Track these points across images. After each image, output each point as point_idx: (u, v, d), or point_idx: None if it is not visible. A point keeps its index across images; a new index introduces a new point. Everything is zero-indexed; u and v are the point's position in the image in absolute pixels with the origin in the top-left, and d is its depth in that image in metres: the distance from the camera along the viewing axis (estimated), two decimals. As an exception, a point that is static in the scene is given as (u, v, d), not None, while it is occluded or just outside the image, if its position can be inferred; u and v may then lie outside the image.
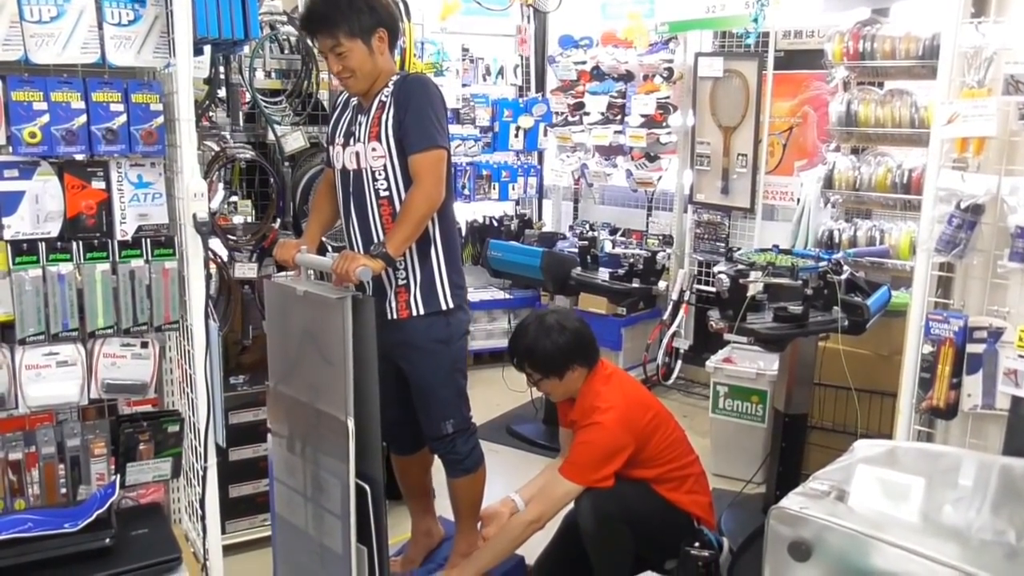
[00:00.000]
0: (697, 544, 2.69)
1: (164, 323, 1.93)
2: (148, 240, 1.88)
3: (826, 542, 1.37)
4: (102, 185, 1.86)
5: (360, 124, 2.48)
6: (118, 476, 1.95)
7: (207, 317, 1.84)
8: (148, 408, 2.12)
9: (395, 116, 2.41)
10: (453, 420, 2.64)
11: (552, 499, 2.63)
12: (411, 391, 2.67)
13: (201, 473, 1.87)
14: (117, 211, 1.88)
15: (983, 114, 1.68)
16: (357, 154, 2.48)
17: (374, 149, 2.44)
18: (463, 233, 5.60)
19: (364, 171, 2.49)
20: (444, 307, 2.57)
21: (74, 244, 1.84)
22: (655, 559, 2.83)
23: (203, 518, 1.89)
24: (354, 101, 2.58)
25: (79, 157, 1.84)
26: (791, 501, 1.43)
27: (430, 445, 2.72)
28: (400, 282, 2.56)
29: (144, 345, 1.93)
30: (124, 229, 1.89)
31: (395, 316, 2.58)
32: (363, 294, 2.28)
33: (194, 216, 1.79)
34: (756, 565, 2.72)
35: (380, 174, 2.46)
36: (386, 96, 2.45)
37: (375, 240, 2.52)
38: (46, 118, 1.76)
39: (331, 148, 2.61)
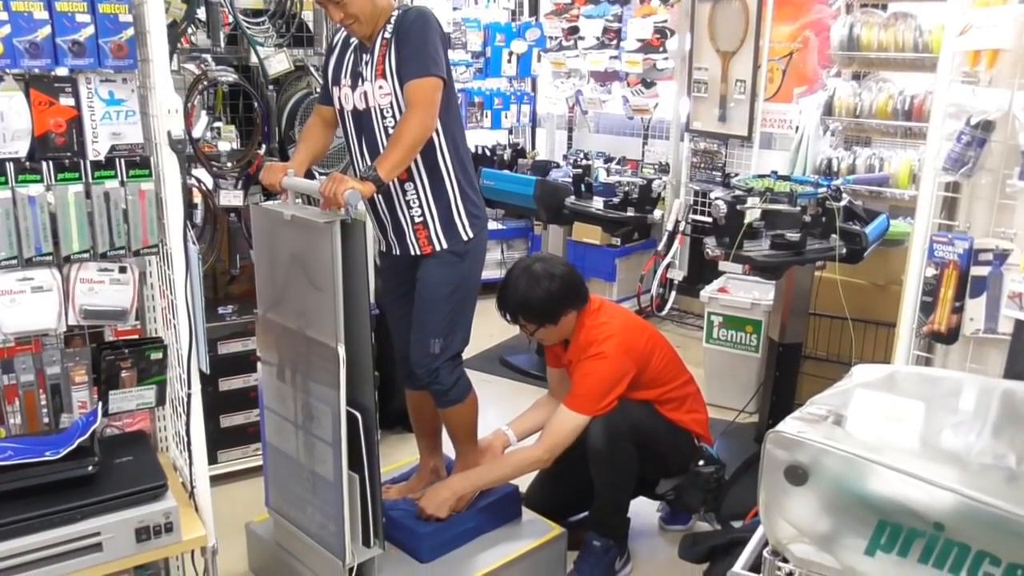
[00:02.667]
0: (702, 462, 2.76)
1: (142, 247, 1.85)
2: (122, 160, 1.80)
3: (823, 466, 1.34)
4: (71, 102, 1.76)
5: (366, 64, 2.44)
6: (100, 404, 1.91)
7: (186, 240, 1.77)
8: (131, 336, 2.07)
9: (397, 52, 2.37)
10: (442, 340, 2.59)
11: (562, 434, 2.63)
12: (414, 306, 2.62)
13: (185, 400, 1.83)
14: (88, 129, 1.79)
15: (998, 24, 1.60)
16: (366, 93, 2.45)
17: (381, 87, 2.40)
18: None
19: (373, 109, 2.46)
20: (465, 238, 2.58)
21: (44, 165, 1.76)
22: (652, 479, 2.86)
23: (189, 445, 1.85)
24: (354, 40, 2.51)
25: (45, 72, 1.75)
26: (788, 425, 1.39)
27: (417, 372, 2.66)
28: (417, 219, 2.55)
29: (122, 270, 1.86)
30: (96, 149, 1.80)
31: (418, 252, 2.58)
32: (352, 217, 2.22)
33: (169, 134, 1.71)
34: (749, 494, 2.74)
35: (388, 111, 2.43)
36: (388, 33, 2.40)
37: (391, 181, 2.47)
38: (7, 29, 1.66)
39: (337, 89, 2.55)
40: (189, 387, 1.82)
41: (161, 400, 2.00)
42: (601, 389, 2.61)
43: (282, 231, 2.39)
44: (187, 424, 1.82)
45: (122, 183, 1.81)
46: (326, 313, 2.26)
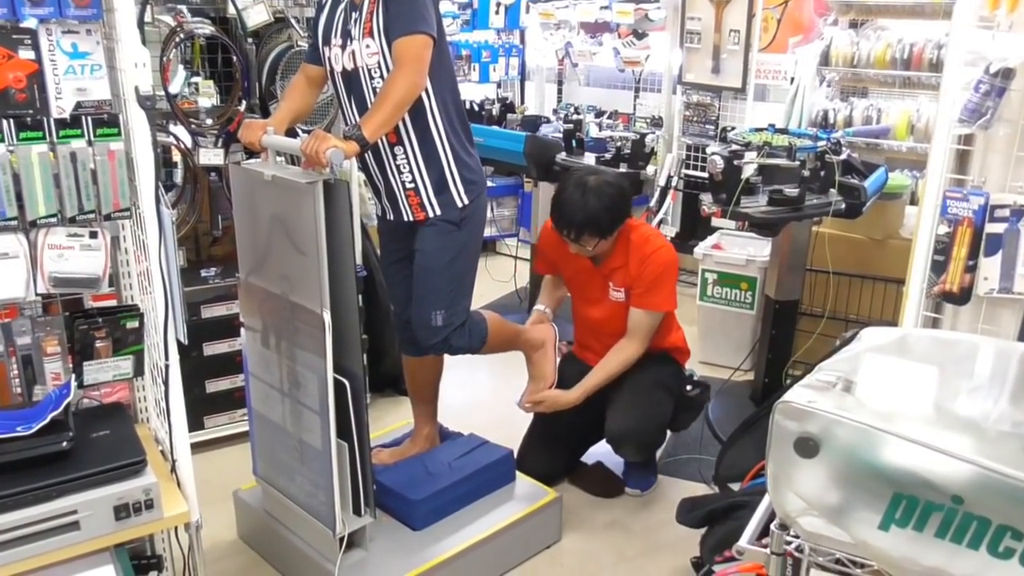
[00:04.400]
0: (689, 387, 3.03)
1: (114, 211, 1.75)
2: (89, 118, 1.69)
3: (835, 437, 1.27)
4: (31, 55, 1.64)
5: (355, 21, 2.33)
6: (74, 375, 1.82)
7: (158, 202, 1.67)
8: (107, 304, 1.98)
9: (385, 10, 2.27)
10: (443, 313, 2.53)
11: (649, 332, 2.81)
12: (413, 275, 2.57)
13: (163, 371, 1.74)
14: (51, 85, 1.67)
15: (1020, -35, 1.50)
16: (354, 53, 2.35)
17: (368, 46, 2.30)
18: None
19: (361, 69, 2.35)
20: (460, 205, 2.49)
21: (4, 123, 1.64)
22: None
23: (168, 419, 1.77)
24: None
25: (3, 22, 1.63)
26: (797, 394, 1.32)
27: (426, 348, 2.61)
28: (408, 185, 2.46)
29: (93, 235, 1.76)
30: (60, 106, 1.68)
31: (411, 219, 2.51)
32: (335, 177, 2.13)
33: (136, 89, 1.59)
34: (747, 456, 2.70)
35: (376, 71, 2.33)
36: None
37: (380, 144, 2.40)
38: (-43, -25, 1.54)
39: (327, 49, 2.43)
40: (167, 358, 1.73)
41: (139, 370, 1.91)
42: (669, 283, 2.81)
43: (263, 192, 2.29)
44: (166, 397, 1.74)
45: (89, 143, 1.70)
46: (310, 277, 2.18)
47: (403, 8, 2.24)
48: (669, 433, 3.16)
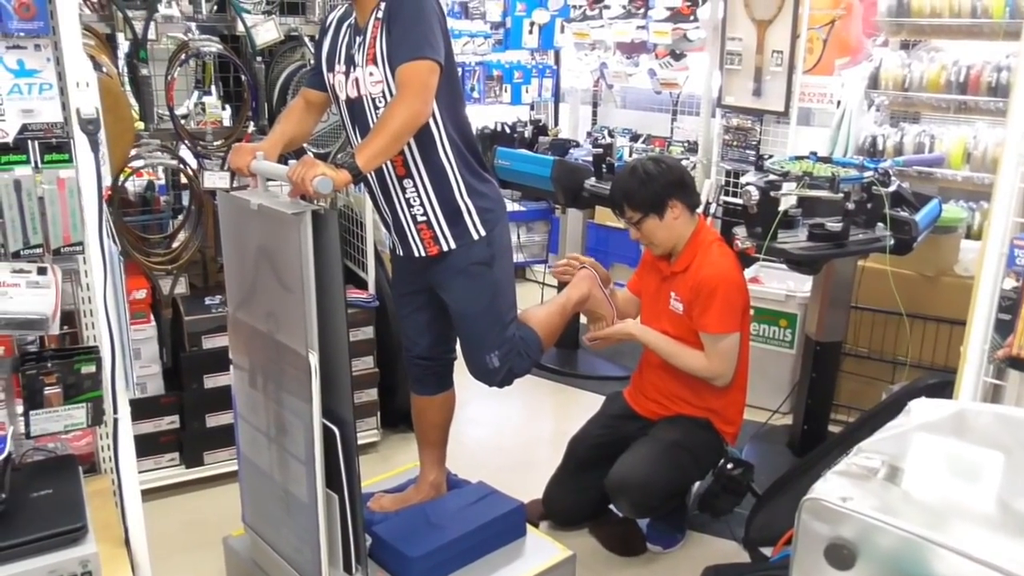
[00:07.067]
0: (730, 465, 2.74)
1: (64, 244, 1.58)
2: (36, 143, 1.52)
3: (875, 545, 1.03)
4: (-30, 73, 1.49)
5: (359, 46, 2.18)
6: (11, 428, 1.64)
7: (102, 238, 1.49)
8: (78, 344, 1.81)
9: (388, 34, 2.11)
10: (498, 352, 2.39)
11: (725, 355, 2.63)
12: (453, 323, 2.44)
13: (112, 427, 1.55)
14: (-7, 105, 1.52)
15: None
16: (358, 80, 2.19)
17: (371, 74, 2.15)
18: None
19: (365, 98, 2.19)
20: (476, 237, 2.30)
21: (-60, 147, 1.49)
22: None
23: (120, 485, 1.58)
24: (349, 20, 2.24)
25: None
26: (830, 487, 1.08)
27: (485, 382, 2.47)
28: (420, 218, 2.29)
29: (42, 271, 1.58)
30: (4, 129, 1.52)
31: (423, 254, 2.33)
32: (325, 208, 1.95)
33: (77, 111, 1.42)
34: (782, 517, 2.44)
35: (380, 101, 2.17)
36: (381, 13, 2.13)
37: (388, 177, 2.25)
38: None
39: (331, 76, 2.27)
40: (116, 411, 1.54)
41: (97, 419, 1.72)
42: (718, 302, 2.59)
43: (250, 222, 2.12)
44: (115, 456, 1.55)
45: (36, 169, 1.53)
46: (296, 316, 1.99)
47: (407, 32, 2.06)
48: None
